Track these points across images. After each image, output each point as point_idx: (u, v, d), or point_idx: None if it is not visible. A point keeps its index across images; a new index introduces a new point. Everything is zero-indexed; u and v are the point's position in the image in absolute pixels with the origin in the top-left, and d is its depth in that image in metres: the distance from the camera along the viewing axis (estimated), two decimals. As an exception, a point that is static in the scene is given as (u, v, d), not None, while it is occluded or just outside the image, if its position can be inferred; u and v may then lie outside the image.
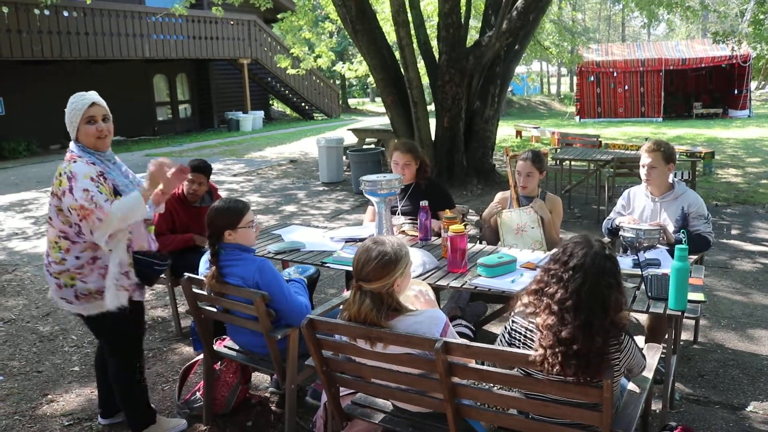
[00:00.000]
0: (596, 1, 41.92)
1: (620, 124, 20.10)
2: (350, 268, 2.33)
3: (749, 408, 3.17)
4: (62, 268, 2.66)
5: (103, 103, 2.73)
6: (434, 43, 10.08)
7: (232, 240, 2.83)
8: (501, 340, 2.22)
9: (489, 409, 2.21)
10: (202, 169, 4.14)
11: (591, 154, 8.32)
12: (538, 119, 23.39)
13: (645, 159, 3.70)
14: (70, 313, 3.05)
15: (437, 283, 3.03)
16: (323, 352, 2.33)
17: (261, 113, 22.41)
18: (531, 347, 2.05)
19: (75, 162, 2.61)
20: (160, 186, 2.77)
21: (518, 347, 2.12)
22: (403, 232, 3.89)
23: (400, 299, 2.24)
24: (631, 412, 2.21)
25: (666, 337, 3.06)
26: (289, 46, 15.43)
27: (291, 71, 16.15)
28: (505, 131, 16.92)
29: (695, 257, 3.66)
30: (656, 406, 3.03)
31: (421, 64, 9.91)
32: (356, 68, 16.15)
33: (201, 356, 3.22)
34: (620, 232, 3.53)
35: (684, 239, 3.04)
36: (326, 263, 3.45)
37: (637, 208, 3.85)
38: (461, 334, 3.17)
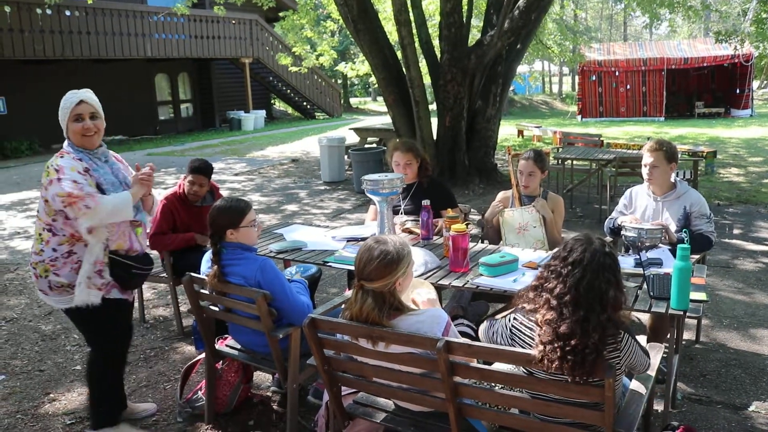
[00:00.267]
0: (598, 0, 41.87)
1: (622, 124, 20.08)
2: (352, 268, 2.33)
3: (751, 408, 3.17)
4: (39, 259, 2.71)
5: (94, 101, 2.73)
6: (436, 42, 10.08)
7: (234, 239, 2.83)
8: (502, 333, 2.21)
9: (491, 408, 2.21)
10: (202, 170, 4.11)
11: (593, 154, 8.32)
12: (540, 118, 23.38)
13: (647, 158, 3.69)
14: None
15: (439, 282, 3.03)
16: (325, 351, 2.33)
17: (263, 112, 22.41)
18: (531, 345, 2.05)
19: (62, 157, 2.68)
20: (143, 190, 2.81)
21: (521, 345, 2.12)
22: (407, 230, 3.88)
23: (401, 298, 2.24)
24: (633, 412, 2.21)
25: (668, 336, 3.05)
26: (290, 45, 15.44)
27: (293, 69, 16.17)
28: (507, 131, 16.91)
29: (697, 257, 3.66)
30: (658, 405, 3.02)
31: (422, 64, 9.91)
32: (358, 68, 16.17)
33: (203, 355, 3.22)
34: (622, 232, 3.52)
35: (686, 239, 3.04)
36: (328, 262, 3.45)
37: (639, 208, 3.84)
38: (463, 334, 3.16)
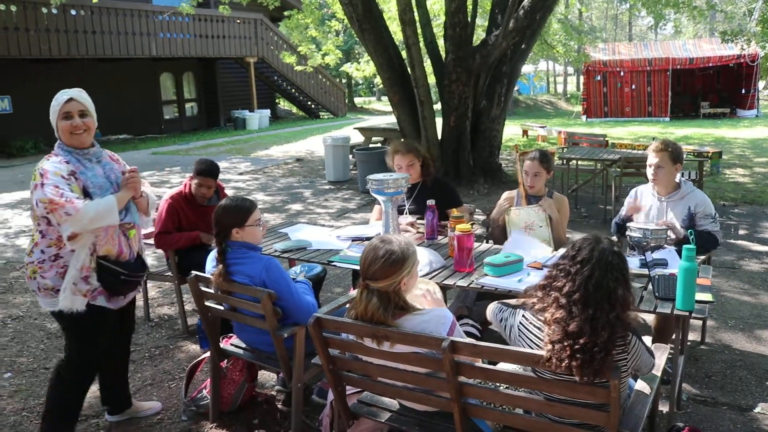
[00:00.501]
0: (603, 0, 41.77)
1: (627, 124, 20.03)
2: (357, 267, 2.33)
3: (757, 409, 3.16)
4: (29, 260, 2.73)
5: (84, 99, 2.70)
6: (441, 42, 10.07)
7: (239, 238, 2.84)
8: (510, 328, 2.22)
9: (496, 408, 2.21)
10: (210, 173, 4.09)
11: (598, 154, 8.30)
12: (545, 118, 23.35)
13: (652, 159, 3.68)
14: None
15: (444, 282, 3.03)
16: (330, 350, 2.33)
17: (267, 112, 22.42)
18: (538, 346, 2.05)
19: (49, 159, 2.65)
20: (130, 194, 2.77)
21: (528, 345, 2.12)
22: (411, 224, 3.89)
23: (407, 298, 2.24)
24: (638, 413, 2.20)
25: (673, 337, 3.05)
26: (295, 45, 15.46)
27: (298, 68, 16.18)
28: (512, 130, 16.89)
29: (703, 257, 3.65)
30: (663, 406, 3.02)
31: (427, 63, 9.90)
32: (363, 68, 16.17)
33: (207, 354, 3.23)
34: (627, 232, 3.51)
35: (692, 239, 3.03)
36: (333, 262, 3.45)
37: (644, 207, 3.84)
38: (468, 334, 3.17)
